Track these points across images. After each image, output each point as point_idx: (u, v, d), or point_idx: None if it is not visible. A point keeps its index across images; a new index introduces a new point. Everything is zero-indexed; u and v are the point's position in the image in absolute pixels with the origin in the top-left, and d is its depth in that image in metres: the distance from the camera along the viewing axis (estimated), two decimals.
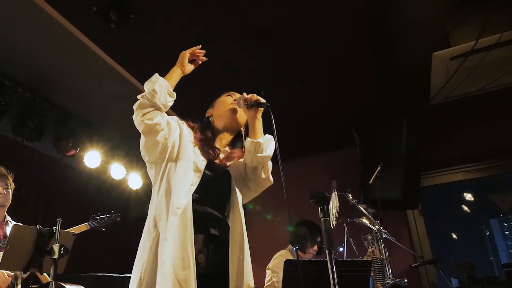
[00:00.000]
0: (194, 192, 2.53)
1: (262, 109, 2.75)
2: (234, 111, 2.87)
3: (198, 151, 2.72)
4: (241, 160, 2.87)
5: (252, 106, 2.72)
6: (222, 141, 2.94)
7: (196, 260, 2.37)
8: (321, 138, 7.76)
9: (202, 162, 2.67)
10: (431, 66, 5.81)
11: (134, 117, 2.52)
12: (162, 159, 2.62)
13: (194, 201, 2.50)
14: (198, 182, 2.58)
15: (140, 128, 2.52)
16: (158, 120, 2.51)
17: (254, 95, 2.75)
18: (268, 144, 2.74)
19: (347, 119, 6.85)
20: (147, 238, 2.46)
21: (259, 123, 2.76)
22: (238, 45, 5.28)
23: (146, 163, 2.72)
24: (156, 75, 2.58)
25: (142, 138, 2.57)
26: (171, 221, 2.38)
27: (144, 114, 2.47)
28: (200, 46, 2.85)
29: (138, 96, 2.52)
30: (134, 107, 2.51)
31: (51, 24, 4.71)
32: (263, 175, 2.80)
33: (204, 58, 2.88)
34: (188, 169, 2.58)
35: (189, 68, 2.81)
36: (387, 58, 6.09)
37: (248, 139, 2.75)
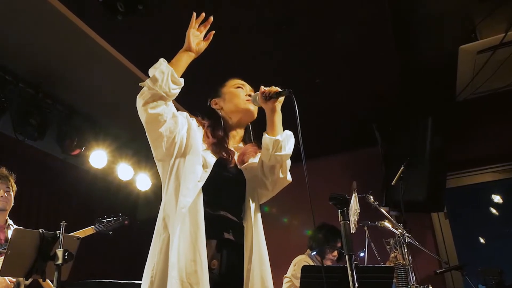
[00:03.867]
0: (204, 193, 2.46)
1: (282, 100, 2.67)
2: (251, 108, 2.79)
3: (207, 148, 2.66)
4: (256, 159, 2.80)
5: (271, 98, 2.61)
6: (236, 138, 2.88)
7: (209, 266, 2.33)
8: (341, 136, 7.72)
9: (212, 158, 2.60)
10: (457, 60, 5.76)
11: (137, 106, 2.45)
12: (169, 155, 2.55)
13: (205, 203, 2.44)
14: (206, 178, 2.50)
15: (142, 117, 2.44)
16: (162, 110, 2.42)
17: (273, 86, 2.64)
18: (287, 142, 2.63)
19: (368, 117, 6.83)
20: (157, 240, 2.41)
21: (278, 118, 2.66)
22: (254, 38, 5.26)
23: (155, 161, 2.66)
24: (160, 60, 2.47)
25: (146, 131, 2.50)
26: (181, 221, 2.34)
27: (146, 103, 2.38)
28: (198, 14, 2.68)
29: (140, 84, 2.45)
30: (137, 96, 2.45)
31: (54, 15, 4.71)
32: (281, 175, 2.71)
33: (210, 19, 2.71)
34: (196, 164, 2.52)
35: (201, 46, 2.69)
36: (411, 52, 6.04)
37: (265, 135, 2.64)
